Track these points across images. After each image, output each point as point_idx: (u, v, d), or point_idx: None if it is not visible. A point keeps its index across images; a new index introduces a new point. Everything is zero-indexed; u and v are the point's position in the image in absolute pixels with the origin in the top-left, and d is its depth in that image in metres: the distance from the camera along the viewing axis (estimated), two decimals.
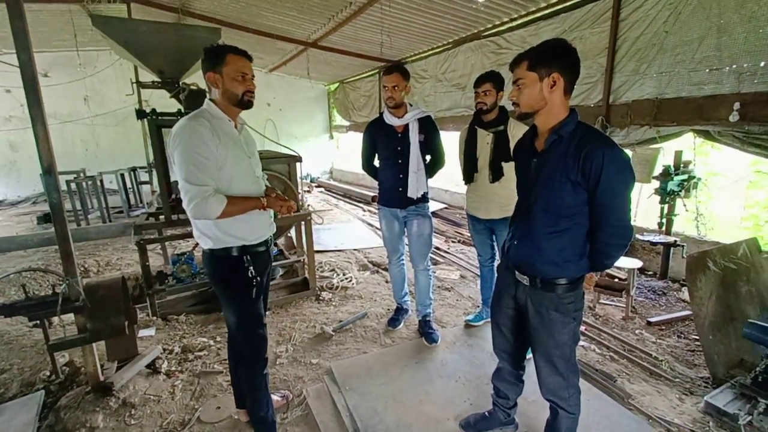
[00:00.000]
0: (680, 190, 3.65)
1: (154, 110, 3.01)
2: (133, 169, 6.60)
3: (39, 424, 1.87)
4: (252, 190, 1.63)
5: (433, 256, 4.53)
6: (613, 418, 1.97)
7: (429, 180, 2.68)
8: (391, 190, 2.59)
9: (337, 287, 3.57)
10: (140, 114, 2.92)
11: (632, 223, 1.35)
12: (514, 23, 5.05)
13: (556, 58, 1.28)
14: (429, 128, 2.56)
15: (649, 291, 3.60)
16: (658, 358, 2.55)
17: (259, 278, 1.67)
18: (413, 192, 2.52)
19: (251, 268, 1.63)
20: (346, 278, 3.76)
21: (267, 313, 3.08)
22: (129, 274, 3.59)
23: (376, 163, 2.73)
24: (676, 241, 3.65)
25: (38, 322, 1.88)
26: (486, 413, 1.90)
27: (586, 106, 4.56)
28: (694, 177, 3.68)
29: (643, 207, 4.61)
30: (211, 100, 1.59)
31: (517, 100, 1.36)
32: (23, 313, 1.79)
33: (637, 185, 4.76)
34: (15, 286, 3.41)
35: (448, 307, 3.26)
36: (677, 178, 3.61)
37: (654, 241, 3.66)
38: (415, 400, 2.11)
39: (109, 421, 1.92)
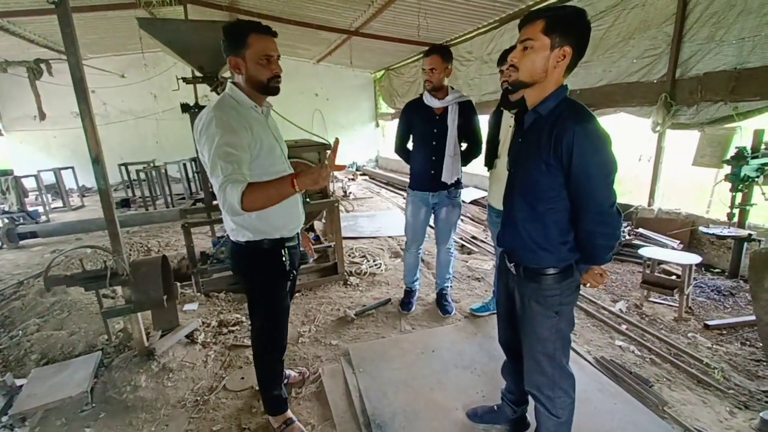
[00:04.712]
0: (758, 176, 3.13)
1: (197, 103, 3.25)
2: (194, 159, 7.23)
3: (95, 380, 2.18)
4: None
5: (469, 246, 4.41)
6: (642, 425, 1.80)
7: (466, 167, 2.59)
8: (423, 172, 2.54)
9: (365, 273, 3.63)
10: (184, 108, 3.18)
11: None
12: None
13: (574, 30, 1.14)
14: (469, 113, 2.47)
15: (713, 290, 3.17)
16: (710, 365, 2.26)
17: (295, 271, 1.65)
18: (447, 177, 2.46)
19: (287, 261, 1.58)
20: (376, 264, 3.81)
21: (296, 294, 3.29)
22: (180, 254, 3.98)
23: (410, 146, 2.67)
24: (750, 234, 3.17)
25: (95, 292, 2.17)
26: (495, 407, 1.84)
27: (647, 82, 4.07)
28: None
29: (715, 196, 4.05)
30: (233, 83, 1.45)
31: (519, 63, 1.19)
32: (80, 283, 2.08)
33: (711, 171, 4.25)
34: (80, 261, 3.94)
35: (475, 298, 3.16)
36: (755, 162, 3.10)
37: (721, 234, 3.21)
38: (426, 387, 2.11)
39: (150, 382, 2.18)
